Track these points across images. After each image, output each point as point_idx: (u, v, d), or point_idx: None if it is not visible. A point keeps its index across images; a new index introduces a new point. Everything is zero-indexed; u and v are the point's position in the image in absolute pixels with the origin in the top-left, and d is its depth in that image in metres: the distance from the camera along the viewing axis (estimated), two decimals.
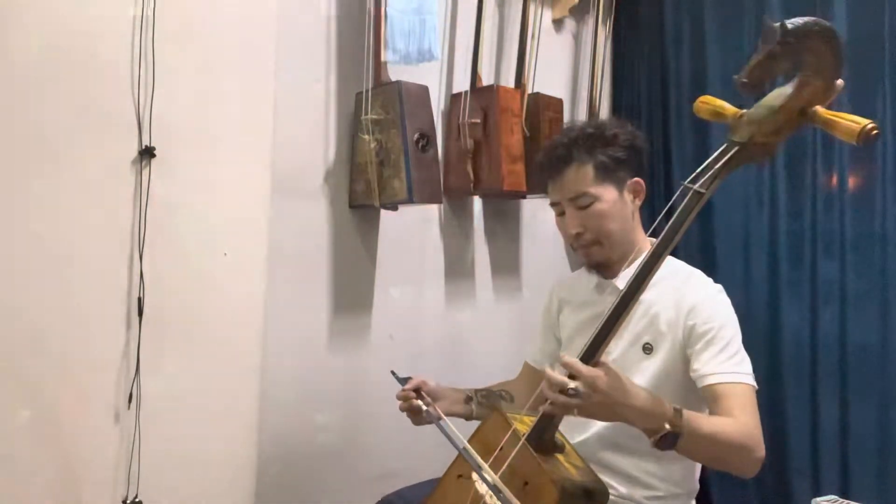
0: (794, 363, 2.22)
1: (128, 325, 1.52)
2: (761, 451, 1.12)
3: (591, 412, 1.03)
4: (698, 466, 1.36)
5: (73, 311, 1.45)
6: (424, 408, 1.34)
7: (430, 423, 1.34)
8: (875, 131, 0.89)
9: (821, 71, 0.91)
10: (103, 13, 1.48)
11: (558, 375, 1.01)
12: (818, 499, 1.91)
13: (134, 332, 1.52)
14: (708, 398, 1.19)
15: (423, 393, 1.39)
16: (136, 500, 1.52)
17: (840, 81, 0.93)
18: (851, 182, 2.16)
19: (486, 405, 1.49)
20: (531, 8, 2.30)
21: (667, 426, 1.02)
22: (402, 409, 1.40)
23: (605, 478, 1.26)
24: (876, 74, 2.08)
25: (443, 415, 1.31)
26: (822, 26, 0.88)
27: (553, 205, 1.37)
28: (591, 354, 1.03)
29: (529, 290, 2.42)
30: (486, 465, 1.11)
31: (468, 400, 1.48)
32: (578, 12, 2.61)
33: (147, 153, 1.52)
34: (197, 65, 1.62)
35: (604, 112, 2.68)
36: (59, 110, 1.42)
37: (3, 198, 1.37)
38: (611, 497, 1.24)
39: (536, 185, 2.06)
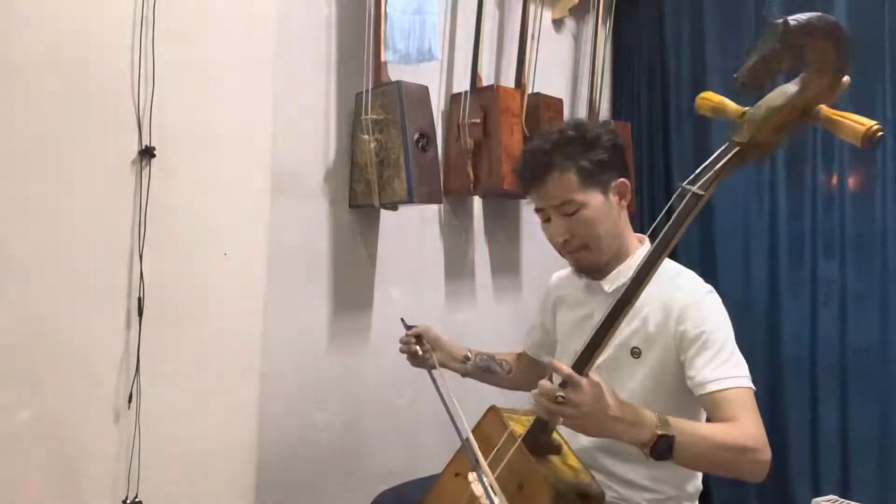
0: (794, 363, 2.22)
1: (128, 325, 1.52)
2: (766, 452, 1.06)
3: (579, 424, 1.00)
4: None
5: (73, 311, 1.45)
6: (421, 352, 1.46)
7: (426, 368, 1.47)
8: (880, 133, 0.86)
9: (825, 69, 0.86)
10: (103, 13, 1.48)
11: (549, 384, 1.00)
12: (818, 499, 1.92)
13: (134, 332, 1.52)
14: (707, 407, 1.16)
15: (423, 340, 1.50)
16: (136, 500, 1.52)
17: (846, 79, 0.88)
18: (851, 182, 2.16)
19: (482, 367, 1.58)
20: (531, 8, 2.31)
21: (657, 432, 0.99)
22: (401, 352, 1.52)
23: (605, 481, 1.26)
24: (876, 74, 2.08)
25: (438, 365, 1.44)
26: (825, 22, 0.84)
27: (538, 210, 1.33)
28: (584, 363, 1.01)
29: (529, 290, 2.42)
30: (482, 459, 1.11)
31: (465, 359, 1.57)
32: (578, 12, 2.61)
33: (147, 153, 1.52)
34: (197, 65, 1.62)
35: (604, 112, 2.67)
36: (59, 110, 1.42)
37: (4, 198, 1.37)
38: (609, 498, 1.23)
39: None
